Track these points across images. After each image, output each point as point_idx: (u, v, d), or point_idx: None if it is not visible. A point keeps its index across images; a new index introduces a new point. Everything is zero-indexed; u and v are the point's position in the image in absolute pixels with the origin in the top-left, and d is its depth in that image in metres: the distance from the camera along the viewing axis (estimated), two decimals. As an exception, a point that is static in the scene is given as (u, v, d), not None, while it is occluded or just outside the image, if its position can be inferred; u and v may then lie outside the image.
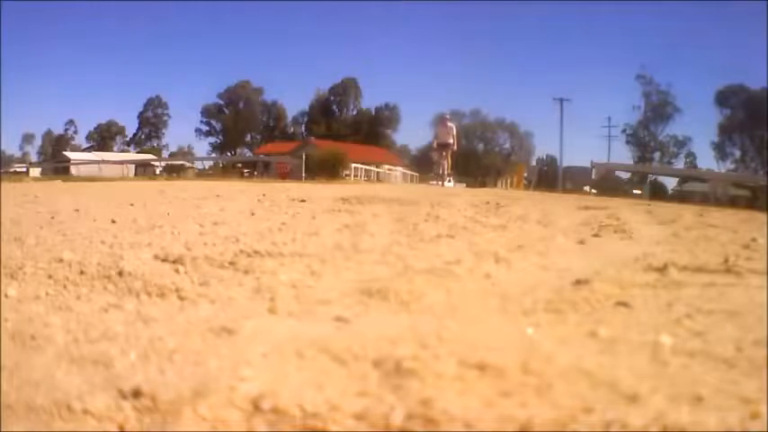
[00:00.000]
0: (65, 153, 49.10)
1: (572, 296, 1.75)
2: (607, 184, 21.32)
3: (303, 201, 5.24)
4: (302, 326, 1.48)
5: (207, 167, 35.16)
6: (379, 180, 29.97)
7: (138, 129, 65.18)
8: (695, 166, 48.84)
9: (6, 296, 1.69)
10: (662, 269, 2.09)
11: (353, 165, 27.82)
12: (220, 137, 63.16)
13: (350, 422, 0.98)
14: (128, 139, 65.56)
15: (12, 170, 33.86)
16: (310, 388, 1.10)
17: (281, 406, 1.02)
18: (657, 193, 25.81)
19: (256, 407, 1.01)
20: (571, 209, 5.02)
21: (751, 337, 1.36)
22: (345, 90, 61.76)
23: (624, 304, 1.66)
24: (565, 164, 37.59)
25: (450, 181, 36.05)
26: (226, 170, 30.58)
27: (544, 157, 52.88)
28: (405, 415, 0.99)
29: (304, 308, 1.64)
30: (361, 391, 1.08)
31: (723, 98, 50.15)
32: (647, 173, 35.59)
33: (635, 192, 25.06)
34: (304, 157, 24.43)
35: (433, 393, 1.05)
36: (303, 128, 62.23)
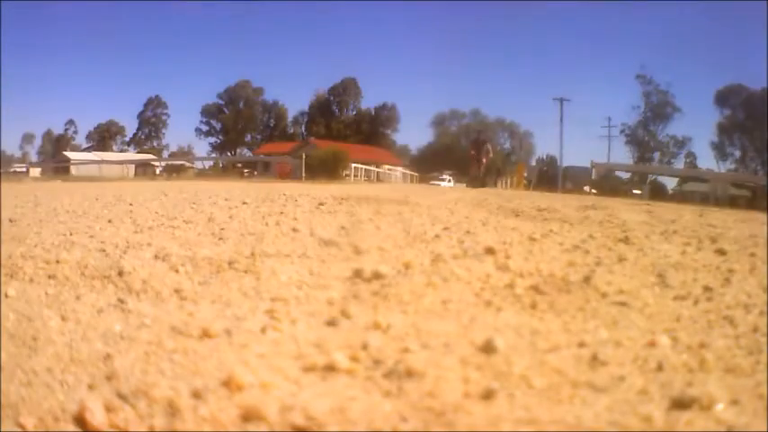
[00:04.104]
0: (65, 153, 49.14)
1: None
2: (607, 183, 21.32)
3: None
4: (301, 325, 1.48)
5: (207, 167, 35.18)
6: (379, 180, 29.98)
7: (138, 129, 65.22)
8: (695, 166, 48.86)
9: (6, 296, 1.69)
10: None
11: (353, 165, 27.81)
12: (220, 137, 63.18)
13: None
14: (127, 139, 65.63)
15: (12, 170, 33.88)
16: (310, 389, 1.10)
17: (279, 406, 1.02)
18: (657, 193, 25.80)
19: (255, 407, 1.01)
20: (571, 208, 5.02)
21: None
22: (345, 90, 61.77)
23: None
24: (565, 164, 37.61)
25: (449, 181, 36.08)
26: (226, 170, 30.57)
27: (544, 157, 52.87)
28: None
29: (303, 308, 1.64)
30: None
31: (723, 98, 50.15)
32: (647, 173, 35.63)
33: (635, 192, 25.07)
34: (304, 157, 24.41)
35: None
36: (303, 128, 62.26)
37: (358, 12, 78.97)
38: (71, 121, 66.49)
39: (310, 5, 75.66)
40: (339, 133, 55.51)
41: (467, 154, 19.57)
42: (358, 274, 1.98)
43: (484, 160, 17.44)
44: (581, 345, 1.32)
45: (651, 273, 2.08)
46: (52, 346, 1.30)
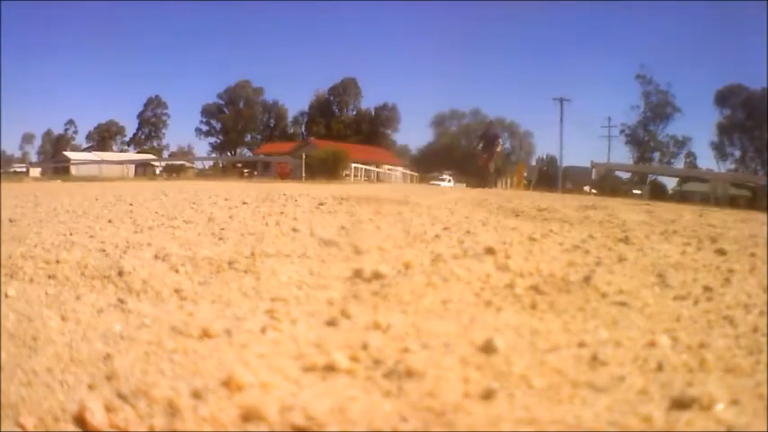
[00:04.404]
0: (65, 153, 49.20)
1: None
2: (607, 183, 21.32)
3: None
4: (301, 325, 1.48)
5: (207, 167, 35.18)
6: (379, 180, 29.99)
7: (138, 129, 65.28)
8: (695, 166, 48.89)
9: (6, 296, 1.69)
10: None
11: (353, 165, 27.83)
12: (220, 137, 63.23)
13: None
14: (127, 139, 65.70)
15: (12, 170, 33.90)
16: (309, 389, 1.10)
17: (279, 406, 1.02)
18: (657, 193, 25.83)
19: (255, 407, 1.01)
20: (571, 208, 5.02)
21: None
22: (345, 90, 61.81)
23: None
24: (565, 164, 37.64)
25: (449, 181, 36.08)
26: (226, 170, 30.57)
27: (544, 157, 52.90)
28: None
29: (303, 308, 1.64)
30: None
31: (723, 98, 50.18)
32: (647, 173, 35.64)
33: (635, 192, 25.08)
34: (304, 157, 24.40)
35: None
36: (303, 128, 62.31)
37: (358, 12, 79.07)
38: (71, 121, 66.56)
39: (310, 5, 75.78)
40: (339, 133, 55.55)
41: (472, 149, 17.64)
42: (358, 274, 1.98)
43: (493, 158, 15.66)
44: (581, 345, 1.32)
45: (651, 273, 2.08)
46: (52, 346, 1.30)
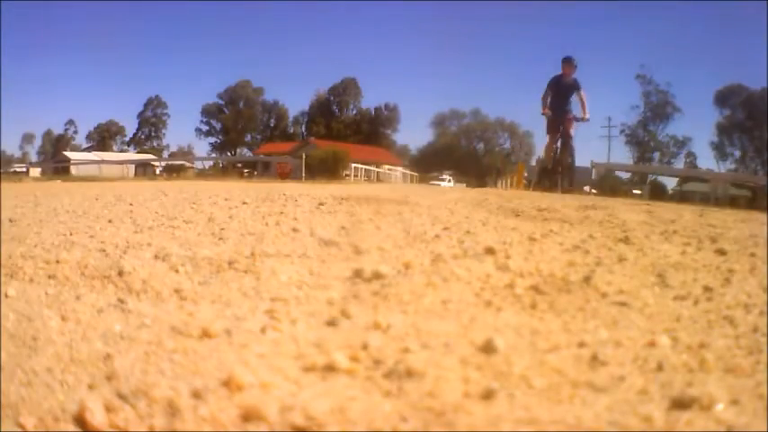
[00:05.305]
0: (65, 153, 49.27)
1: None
2: (607, 183, 21.31)
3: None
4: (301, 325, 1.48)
5: (207, 167, 35.20)
6: (379, 180, 30.00)
7: (138, 129, 65.35)
8: (695, 166, 48.97)
9: (6, 296, 1.69)
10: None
11: (353, 165, 27.83)
12: (220, 137, 63.30)
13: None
14: (127, 139, 65.79)
15: (12, 170, 33.91)
16: (309, 389, 1.10)
17: (279, 406, 1.02)
18: (657, 193, 25.86)
19: (256, 407, 1.01)
20: (571, 208, 5.02)
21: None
22: (345, 90, 61.87)
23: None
24: (565, 164, 37.59)
25: (449, 181, 36.07)
26: (226, 170, 30.58)
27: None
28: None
29: (303, 308, 1.63)
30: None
31: (723, 98, 50.25)
32: (647, 173, 35.65)
33: (635, 192, 25.09)
34: (304, 157, 24.40)
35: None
36: (303, 128, 62.40)
37: (358, 12, 79.16)
38: (71, 121, 66.67)
39: (310, 5, 75.86)
40: (339, 133, 55.63)
41: (542, 112, 9.43)
42: (358, 274, 1.98)
43: (570, 130, 9.28)
44: (581, 345, 1.32)
45: (651, 273, 2.08)
46: (52, 346, 1.30)
